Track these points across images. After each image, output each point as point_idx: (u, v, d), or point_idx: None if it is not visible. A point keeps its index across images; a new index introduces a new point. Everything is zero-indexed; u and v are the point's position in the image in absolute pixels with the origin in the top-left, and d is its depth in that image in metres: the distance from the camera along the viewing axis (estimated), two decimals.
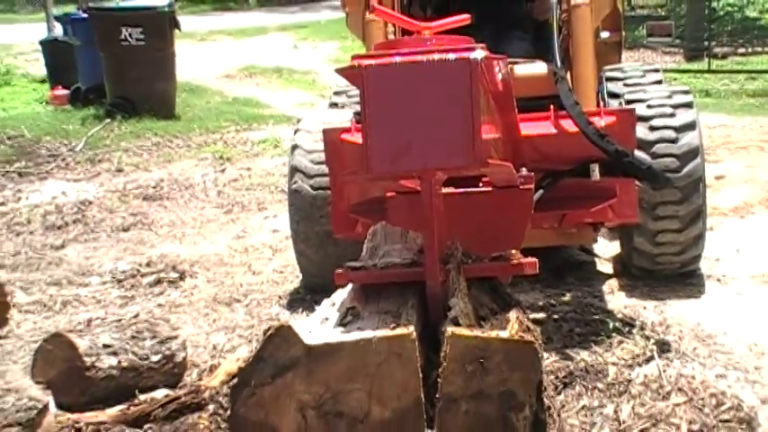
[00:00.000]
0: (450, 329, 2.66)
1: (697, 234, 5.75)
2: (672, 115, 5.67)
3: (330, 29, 22.65)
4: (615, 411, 4.35)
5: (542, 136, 5.07)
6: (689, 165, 5.57)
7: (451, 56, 2.73)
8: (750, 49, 17.03)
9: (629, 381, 4.58)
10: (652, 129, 5.61)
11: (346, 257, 4.91)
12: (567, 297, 5.85)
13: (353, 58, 2.83)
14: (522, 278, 6.04)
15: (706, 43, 16.91)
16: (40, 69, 16.42)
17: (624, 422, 4.26)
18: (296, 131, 6.17)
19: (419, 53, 2.78)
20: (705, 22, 17.54)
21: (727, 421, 4.22)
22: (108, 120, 12.82)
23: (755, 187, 8.00)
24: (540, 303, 5.68)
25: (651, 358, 4.83)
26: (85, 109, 13.55)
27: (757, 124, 10.72)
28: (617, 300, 5.79)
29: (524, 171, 4.23)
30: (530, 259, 3.15)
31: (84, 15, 14.52)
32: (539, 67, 5.59)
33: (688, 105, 5.76)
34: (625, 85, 6.18)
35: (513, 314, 2.78)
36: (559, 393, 4.54)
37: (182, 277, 6.61)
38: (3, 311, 5.54)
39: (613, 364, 4.77)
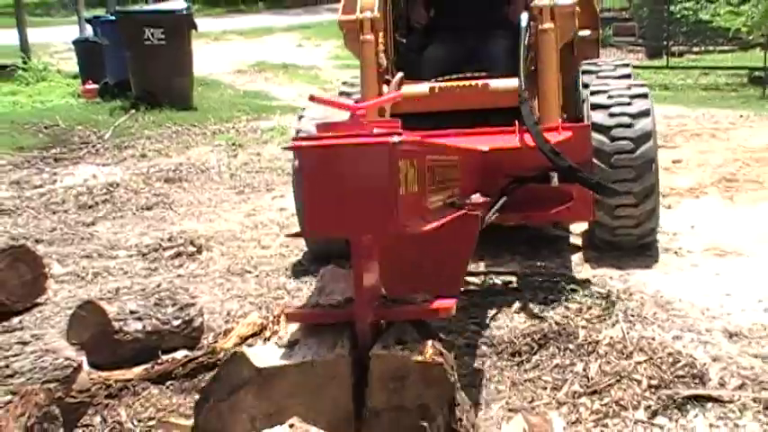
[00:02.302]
0: (374, 352, 2.82)
1: (651, 209, 5.80)
2: (629, 104, 5.79)
3: (331, 29, 22.53)
4: (584, 369, 4.35)
5: (507, 149, 5.16)
6: (642, 147, 5.65)
7: (372, 140, 2.84)
8: (703, 48, 17.05)
9: (597, 342, 4.58)
10: (611, 115, 5.72)
11: None
12: (541, 267, 5.85)
13: (293, 139, 3.11)
14: (504, 251, 6.10)
15: (665, 43, 16.91)
16: (73, 66, 16.36)
17: (592, 378, 4.27)
18: (300, 117, 6.24)
19: (348, 136, 2.86)
20: (664, 24, 17.51)
21: (682, 377, 4.22)
22: (133, 111, 12.81)
23: (708, 170, 8.01)
24: (518, 273, 5.68)
25: (616, 322, 4.84)
26: (113, 101, 13.52)
27: (709, 114, 10.73)
28: (586, 270, 5.79)
29: (476, 197, 4.35)
30: (446, 303, 3.14)
31: (112, 18, 14.50)
32: (510, 82, 5.60)
33: (644, 96, 5.87)
34: (597, 77, 6.37)
35: (429, 342, 2.87)
36: (535, 353, 4.55)
37: (199, 251, 6.60)
38: (41, 282, 5.53)
39: (583, 327, 4.78)
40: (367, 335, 2.95)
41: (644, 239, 6.03)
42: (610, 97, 5.87)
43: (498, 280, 5.68)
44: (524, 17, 5.66)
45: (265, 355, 2.88)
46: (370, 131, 2.89)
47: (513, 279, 5.69)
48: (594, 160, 5.59)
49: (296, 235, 3.45)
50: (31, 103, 14.08)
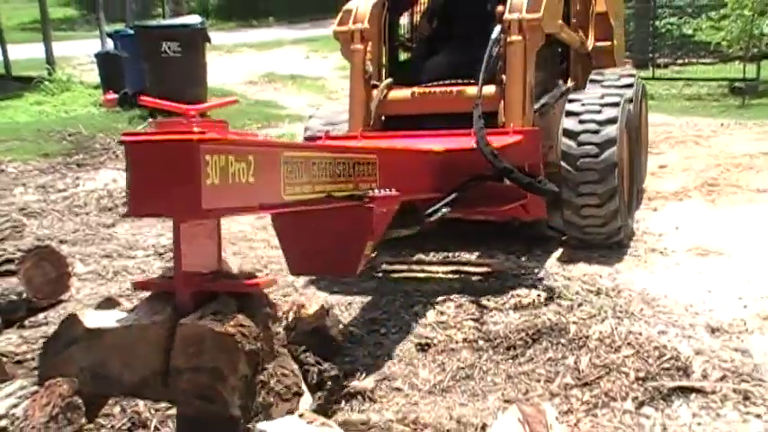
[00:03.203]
0: (181, 321, 3.05)
1: (614, 209, 5.83)
2: (599, 112, 5.86)
3: (336, 43, 22.48)
4: (575, 362, 4.36)
5: (460, 150, 5.33)
6: (606, 152, 5.72)
7: (179, 137, 3.08)
8: (686, 61, 17.04)
9: (587, 336, 4.58)
10: (581, 122, 5.83)
11: None
12: (535, 267, 5.84)
13: (122, 134, 3.23)
14: (499, 250, 6.10)
15: (651, 55, 16.88)
16: (95, 78, 16.35)
17: (583, 371, 4.27)
18: (310, 117, 6.62)
19: (166, 133, 3.11)
20: (650, 38, 17.50)
21: (667, 369, 4.24)
22: (151, 119, 12.77)
23: (691, 175, 8.01)
24: (514, 273, 5.67)
25: (605, 318, 4.83)
26: (132, 110, 13.50)
27: (693, 123, 10.74)
28: (577, 269, 5.78)
29: (379, 191, 4.41)
30: (261, 281, 3.45)
31: (131, 32, 14.50)
32: (485, 89, 5.71)
33: (615, 105, 5.94)
34: (602, 86, 6.56)
35: (238, 316, 3.10)
36: (529, 348, 4.55)
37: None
38: (65, 280, 5.53)
39: (574, 322, 4.77)
40: (186, 304, 3.18)
41: (612, 238, 6.05)
42: (582, 105, 5.97)
43: (495, 277, 5.67)
44: (496, 30, 5.79)
45: (96, 318, 3.16)
46: (186, 130, 3.10)
47: (510, 277, 5.68)
48: (562, 163, 5.75)
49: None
50: (55, 113, 14.10)
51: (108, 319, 3.14)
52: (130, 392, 3.20)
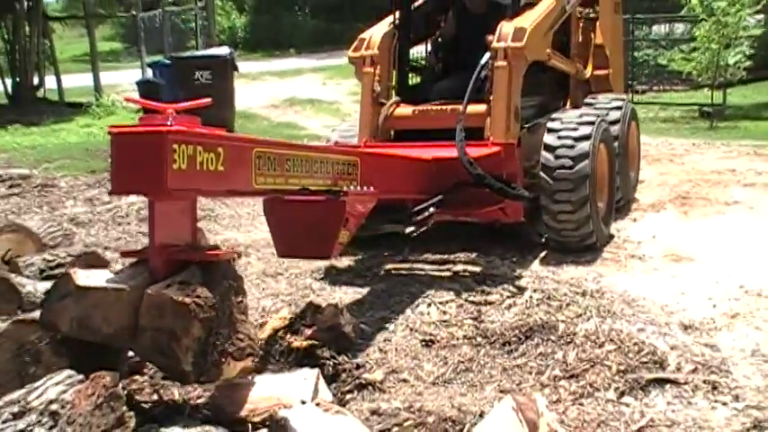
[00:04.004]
0: (148, 289, 3.25)
1: (586, 215, 5.90)
2: (575, 129, 5.98)
3: (350, 70, 22.45)
4: (564, 357, 4.34)
5: (447, 158, 5.56)
6: (579, 164, 5.83)
7: (151, 129, 3.33)
8: (662, 87, 17.02)
9: (574, 333, 4.56)
10: (558, 138, 5.93)
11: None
12: (528, 271, 5.81)
13: (109, 127, 3.45)
14: (496, 256, 6.08)
15: (630, 82, 16.88)
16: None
17: (570, 364, 4.26)
18: (333, 130, 6.99)
19: (143, 126, 3.38)
20: (629, 67, 17.50)
21: (645, 363, 4.24)
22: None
23: (666, 189, 7.99)
24: (509, 277, 5.65)
25: (590, 317, 4.81)
26: None
27: (667, 142, 10.73)
28: (565, 273, 5.76)
29: (358, 189, 4.64)
30: (226, 251, 3.70)
31: (169, 62, 14.56)
32: (476, 108, 5.86)
33: (590, 123, 6.05)
34: (593, 107, 6.83)
35: (198, 288, 3.27)
36: (522, 343, 4.53)
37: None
38: None
39: (562, 321, 4.75)
40: (158, 271, 3.39)
41: (585, 241, 6.08)
42: (561, 123, 6.08)
43: (491, 280, 5.65)
44: (486, 56, 5.90)
45: (86, 277, 3.36)
46: (159, 123, 3.34)
47: (505, 280, 5.66)
48: (542, 173, 5.87)
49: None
50: (102, 134, 14.07)
51: (96, 279, 3.36)
52: (107, 341, 3.35)
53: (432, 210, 5.58)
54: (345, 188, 4.56)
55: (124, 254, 3.81)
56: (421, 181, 5.64)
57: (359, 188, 4.71)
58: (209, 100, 4.04)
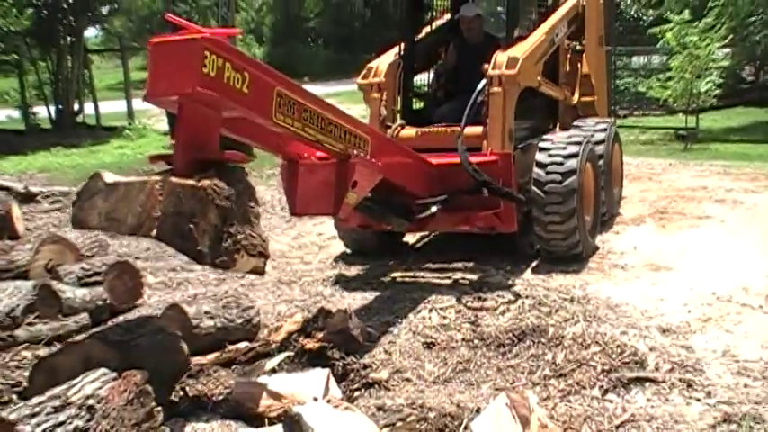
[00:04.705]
0: (168, 179, 3.27)
1: (573, 226, 5.92)
2: (564, 148, 6.02)
3: (359, 96, 22.47)
4: (553, 357, 4.33)
5: (450, 164, 5.66)
6: (567, 180, 5.86)
7: (187, 37, 3.42)
8: (641, 113, 16.98)
9: (563, 336, 4.54)
10: (549, 156, 5.97)
11: (365, 232, 6.31)
12: (521, 279, 5.80)
13: (149, 41, 3.51)
14: (492, 266, 6.06)
15: (613, 108, 16.84)
16: (164, 126, 16.42)
17: (559, 365, 4.24)
18: None
19: (180, 35, 3.46)
20: (612, 94, 17.47)
21: (627, 363, 4.23)
22: None
23: (646, 205, 7.96)
24: (503, 285, 5.63)
25: (577, 321, 4.80)
26: None
27: (647, 162, 10.69)
28: (554, 281, 5.72)
29: (361, 155, 4.71)
30: (241, 155, 3.72)
31: None
32: (473, 129, 5.87)
33: (577, 143, 6.09)
34: (580, 129, 6.89)
35: (215, 179, 3.30)
36: (515, 346, 4.51)
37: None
38: (139, 289, 5.53)
39: (552, 325, 4.73)
40: (182, 169, 3.38)
41: (572, 250, 6.05)
42: (552, 143, 6.13)
43: (488, 288, 5.63)
44: (482, 83, 5.93)
45: (113, 176, 3.38)
46: (194, 32, 3.43)
47: (500, 287, 5.64)
48: (533, 188, 5.88)
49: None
50: (133, 154, 14.14)
51: (122, 178, 3.40)
52: (131, 232, 3.35)
53: (434, 209, 5.63)
54: (356, 152, 4.65)
55: (152, 158, 3.83)
56: (423, 180, 5.70)
57: (368, 158, 4.79)
58: (238, 30, 4.16)
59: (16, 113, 18.09)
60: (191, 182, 3.23)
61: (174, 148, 3.53)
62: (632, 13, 19.33)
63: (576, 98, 7.54)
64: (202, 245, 3.22)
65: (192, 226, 3.19)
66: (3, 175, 11.32)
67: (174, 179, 3.25)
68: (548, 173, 5.87)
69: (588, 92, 7.71)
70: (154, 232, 3.25)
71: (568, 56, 7.44)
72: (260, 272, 3.58)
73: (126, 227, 3.30)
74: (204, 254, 3.25)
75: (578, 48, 7.64)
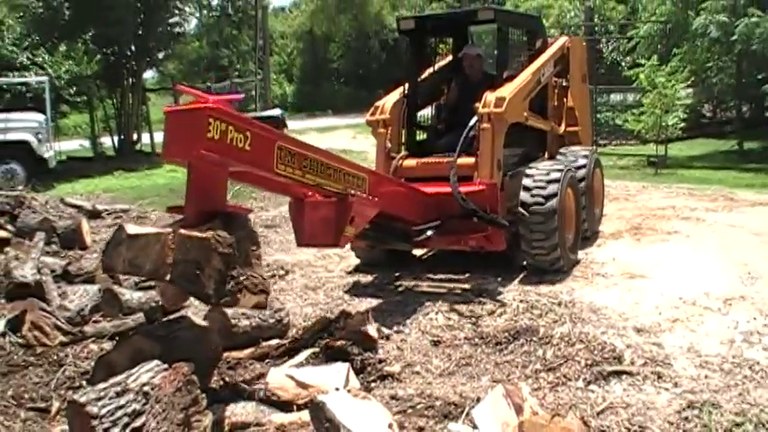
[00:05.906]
0: (179, 231, 3.28)
1: (555, 243, 5.88)
2: (547, 174, 5.99)
3: None
4: (543, 354, 4.30)
5: (442, 193, 5.64)
6: (549, 201, 5.84)
7: (194, 107, 3.46)
8: (618, 142, 16.93)
9: (552, 335, 4.51)
10: (534, 180, 5.95)
11: (374, 249, 6.33)
12: (515, 286, 5.77)
13: (165, 107, 3.62)
14: (491, 275, 6.03)
15: (594, 138, 16.76)
16: None
17: (548, 360, 4.21)
18: None
19: (190, 105, 3.52)
20: (594, 126, 17.42)
21: (606, 358, 4.20)
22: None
23: (623, 221, 7.92)
24: (500, 291, 5.61)
25: (565, 322, 4.79)
26: None
27: (623, 185, 10.65)
28: (544, 287, 5.69)
29: (358, 194, 4.67)
30: (245, 207, 3.80)
31: None
32: (467, 160, 5.89)
33: (559, 170, 6.06)
34: (564, 157, 6.91)
35: (219, 230, 3.28)
36: (510, 343, 4.48)
37: (287, 273, 6.58)
38: (182, 299, 5.50)
39: (543, 325, 4.71)
40: (189, 220, 3.44)
41: (554, 265, 5.99)
42: (537, 169, 6.09)
43: (486, 294, 5.61)
44: (474, 119, 5.93)
45: (135, 228, 3.39)
46: (200, 103, 3.46)
47: (497, 294, 5.61)
48: (520, 209, 5.84)
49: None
50: (183, 177, 14.12)
51: (142, 229, 3.42)
52: (150, 276, 3.40)
53: (429, 233, 5.61)
54: (353, 192, 4.63)
55: (170, 209, 3.84)
56: (417, 208, 5.65)
57: (364, 196, 4.76)
58: (241, 95, 4.23)
59: (87, 143, 18.36)
60: (196, 233, 3.24)
61: (185, 201, 3.55)
62: (611, 58, 19.45)
63: (562, 129, 7.51)
64: (208, 288, 3.22)
65: (198, 271, 3.20)
66: (74, 195, 11.44)
67: (182, 231, 3.28)
68: (532, 195, 5.84)
69: (573, 123, 7.68)
70: (168, 276, 3.29)
71: (555, 91, 7.42)
72: (262, 306, 3.56)
73: (145, 271, 3.33)
74: (210, 295, 3.25)
75: (564, 84, 7.62)
